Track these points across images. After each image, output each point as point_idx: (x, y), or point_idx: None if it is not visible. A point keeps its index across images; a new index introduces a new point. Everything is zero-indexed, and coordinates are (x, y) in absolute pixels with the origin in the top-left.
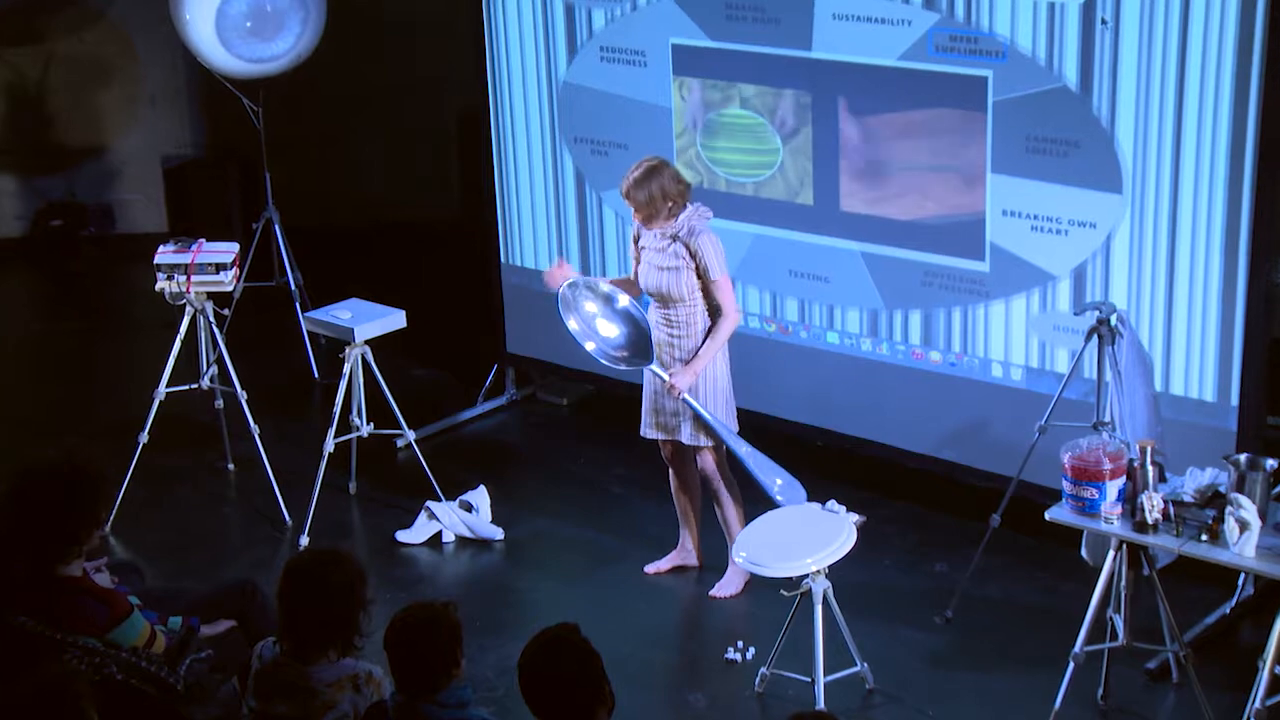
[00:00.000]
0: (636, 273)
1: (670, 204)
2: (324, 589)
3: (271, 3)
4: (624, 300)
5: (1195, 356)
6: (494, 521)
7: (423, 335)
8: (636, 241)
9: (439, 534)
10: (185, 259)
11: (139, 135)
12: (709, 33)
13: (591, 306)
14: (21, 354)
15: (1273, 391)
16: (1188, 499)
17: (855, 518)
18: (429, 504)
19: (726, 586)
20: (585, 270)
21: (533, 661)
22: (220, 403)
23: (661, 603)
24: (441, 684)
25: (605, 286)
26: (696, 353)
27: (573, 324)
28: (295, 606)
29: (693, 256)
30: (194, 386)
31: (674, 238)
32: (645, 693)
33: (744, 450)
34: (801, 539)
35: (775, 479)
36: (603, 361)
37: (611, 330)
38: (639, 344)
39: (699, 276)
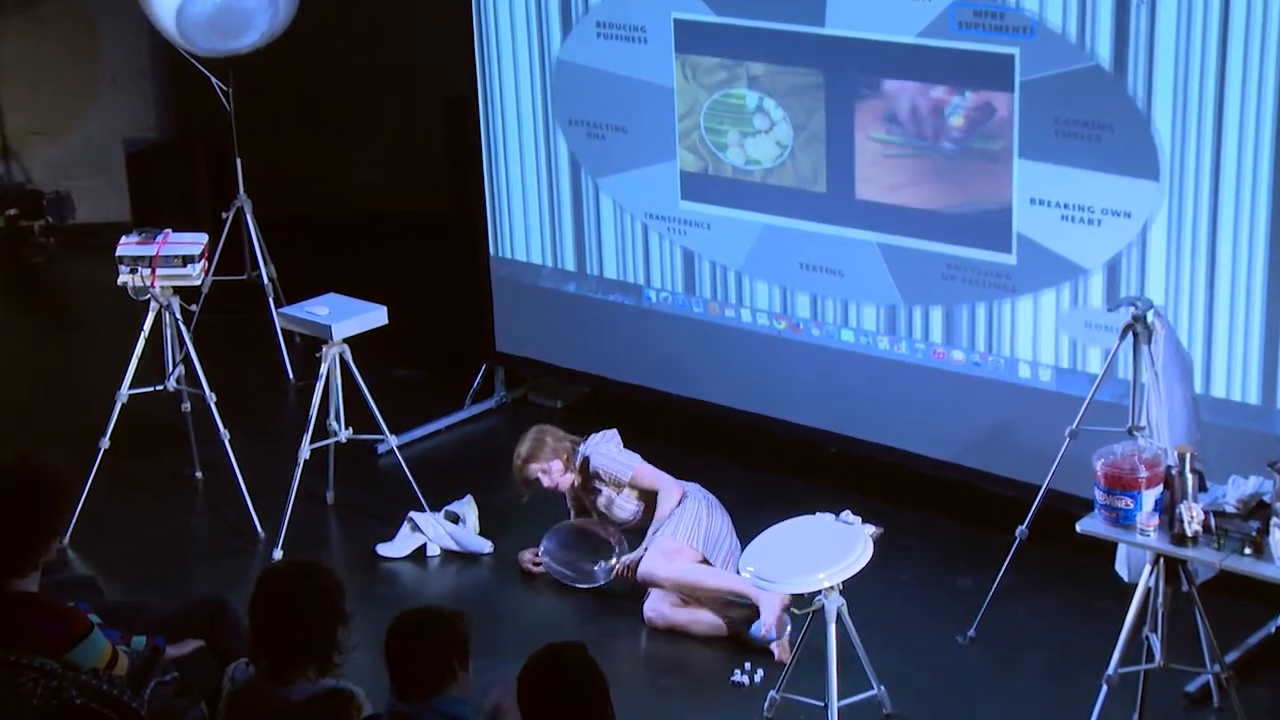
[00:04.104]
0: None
1: (565, 454)
2: (300, 602)
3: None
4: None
5: (1238, 356)
6: (482, 533)
7: (406, 333)
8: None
9: (423, 547)
10: (150, 251)
11: (99, 117)
12: (714, 7)
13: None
14: None
15: None
16: (1230, 509)
17: (871, 529)
18: (412, 515)
19: (769, 622)
20: (581, 261)
21: (534, 676)
22: (187, 405)
23: None
24: (435, 690)
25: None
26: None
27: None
28: (269, 622)
29: (599, 478)
30: (159, 388)
31: (584, 480)
32: (647, 717)
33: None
34: (814, 552)
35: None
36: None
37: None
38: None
39: (621, 486)
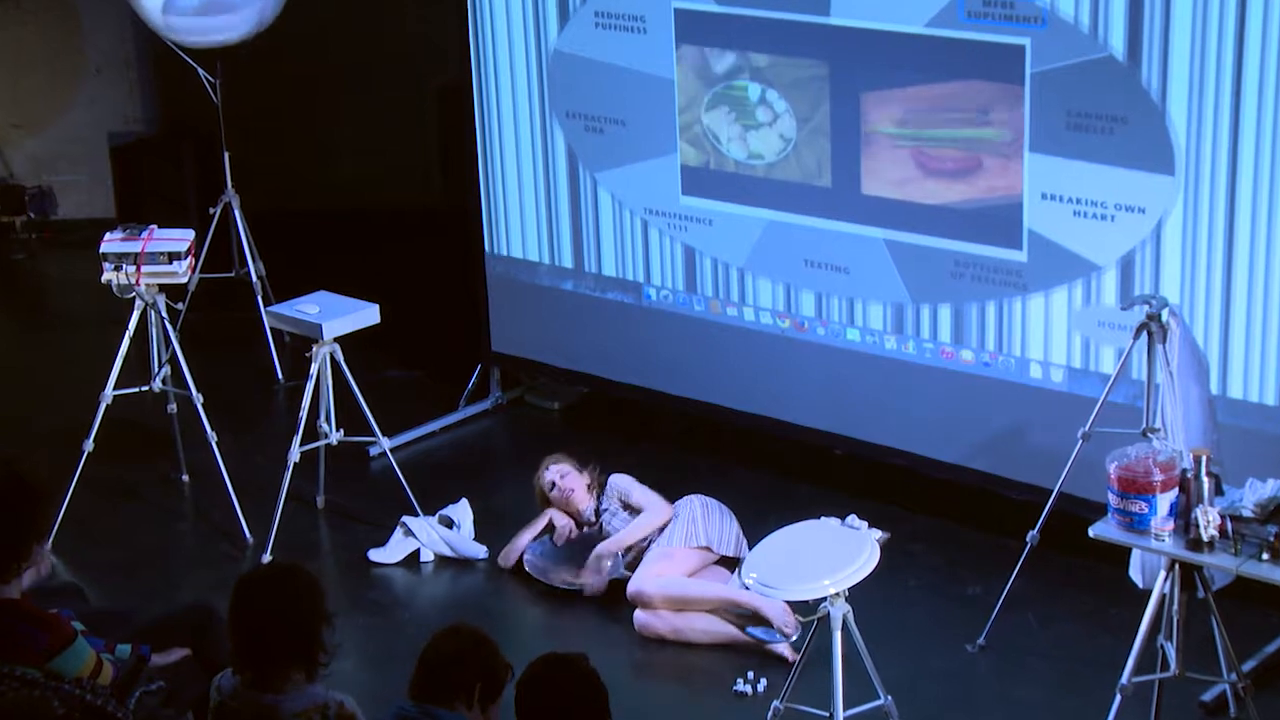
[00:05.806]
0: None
1: (591, 484)
2: (278, 606)
3: None
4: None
5: (1255, 355)
6: (477, 538)
7: (398, 332)
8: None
9: (416, 552)
10: (135, 247)
11: (83, 110)
12: None
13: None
14: None
15: None
16: (1247, 514)
17: (878, 534)
18: (405, 519)
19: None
20: (579, 258)
21: (533, 685)
22: (173, 407)
23: None
24: (446, 701)
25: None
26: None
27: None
28: (250, 627)
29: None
30: (144, 389)
31: (595, 506)
32: None
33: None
34: (818, 558)
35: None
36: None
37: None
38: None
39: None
